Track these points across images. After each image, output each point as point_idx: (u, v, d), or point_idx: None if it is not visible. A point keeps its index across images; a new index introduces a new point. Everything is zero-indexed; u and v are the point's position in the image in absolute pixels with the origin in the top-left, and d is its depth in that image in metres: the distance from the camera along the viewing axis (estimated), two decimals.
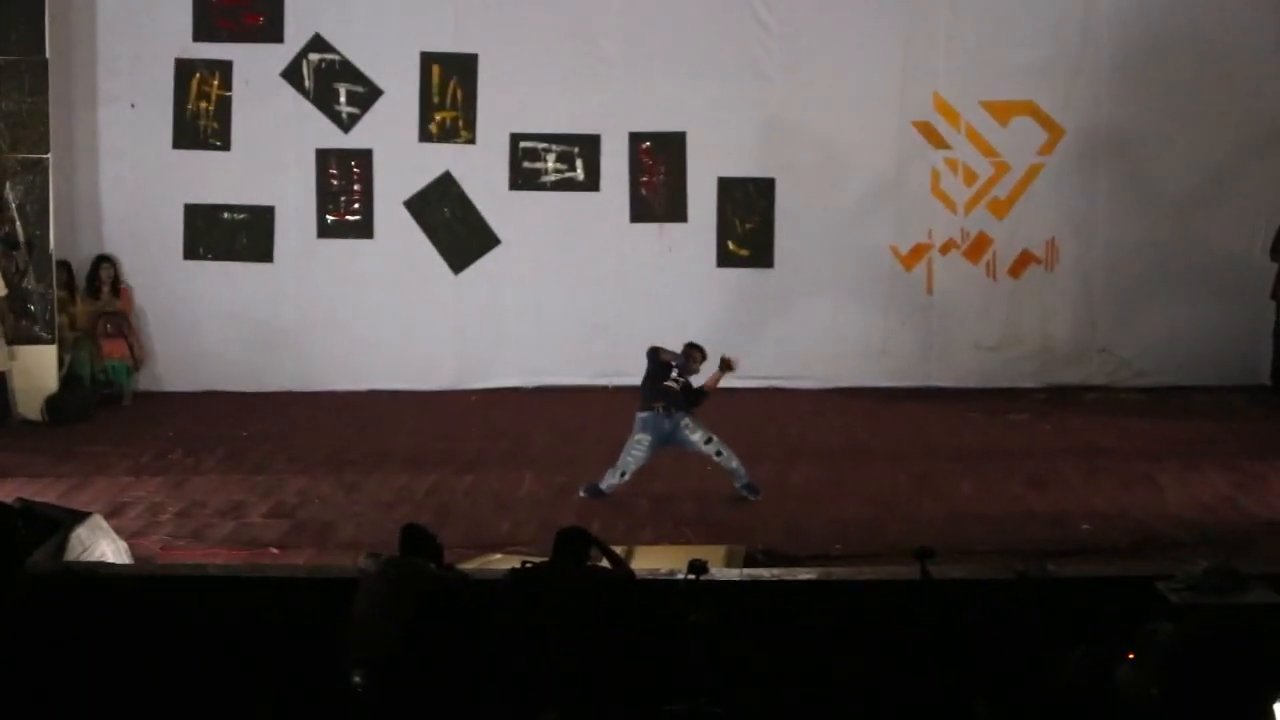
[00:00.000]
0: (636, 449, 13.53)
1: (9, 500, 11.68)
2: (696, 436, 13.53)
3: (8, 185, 16.49)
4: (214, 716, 10.00)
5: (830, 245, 17.52)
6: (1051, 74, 17.30)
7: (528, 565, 9.89)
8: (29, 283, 16.54)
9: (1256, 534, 12.32)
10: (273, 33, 17.55)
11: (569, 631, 9.43)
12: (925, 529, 12.25)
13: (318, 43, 17.54)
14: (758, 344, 17.42)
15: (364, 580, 9.91)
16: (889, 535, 12.37)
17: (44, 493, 13.14)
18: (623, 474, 13.52)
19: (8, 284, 16.34)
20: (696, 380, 13.80)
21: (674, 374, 13.58)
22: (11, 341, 16.43)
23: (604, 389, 17.18)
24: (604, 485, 13.53)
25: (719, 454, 13.51)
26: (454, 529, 12.23)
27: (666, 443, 13.60)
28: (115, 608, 10.43)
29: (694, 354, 13.80)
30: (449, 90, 17.59)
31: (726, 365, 13.84)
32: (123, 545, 11.78)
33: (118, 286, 17.42)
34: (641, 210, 17.68)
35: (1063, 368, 17.56)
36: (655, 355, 13.68)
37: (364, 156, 17.68)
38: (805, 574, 10.96)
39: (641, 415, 13.58)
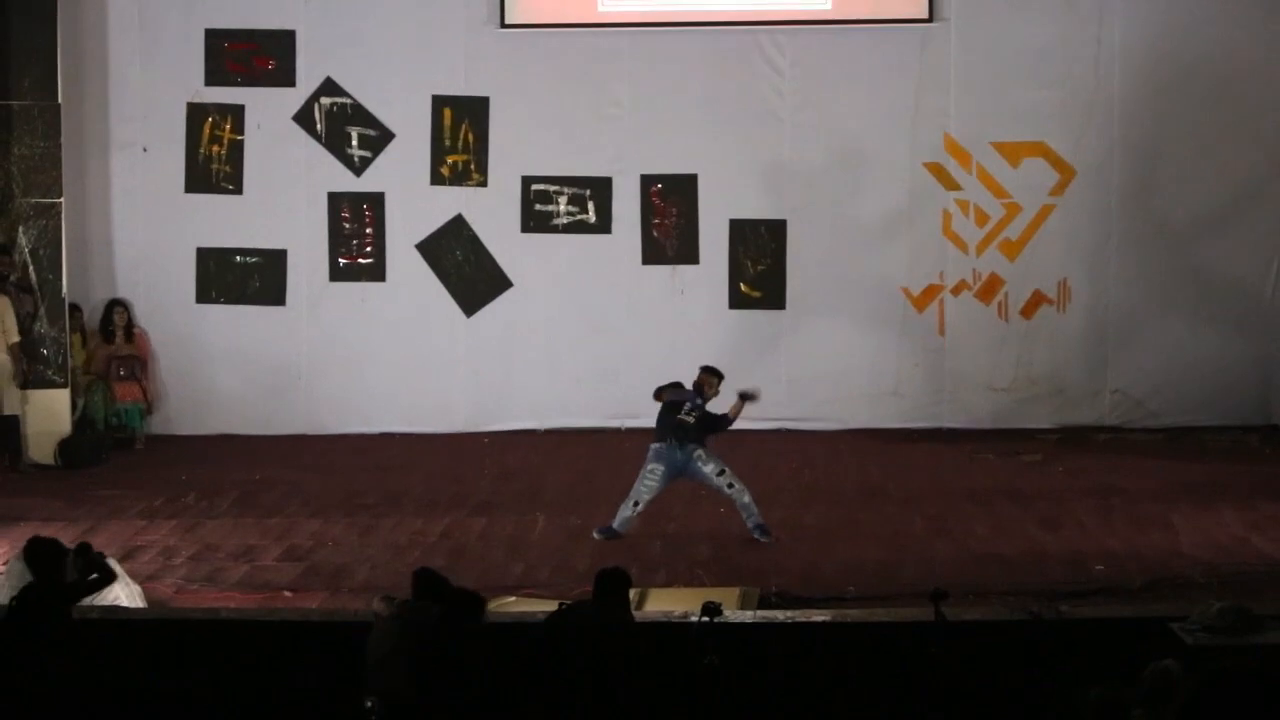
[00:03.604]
0: (650, 478, 13.53)
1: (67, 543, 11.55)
2: (709, 468, 13.52)
3: (21, 230, 16.54)
4: None
5: (842, 287, 17.53)
6: (1062, 115, 17.30)
7: (564, 606, 9.89)
8: (42, 326, 16.56)
9: (1271, 575, 12.30)
10: (284, 77, 17.61)
11: (581, 674, 9.41)
12: (939, 570, 12.25)
13: (329, 86, 17.59)
14: (770, 386, 17.33)
15: (377, 624, 9.90)
16: (903, 577, 12.34)
17: (57, 537, 13.09)
18: (636, 504, 13.52)
19: (20, 328, 16.34)
20: (716, 406, 13.73)
21: (686, 409, 13.56)
22: (24, 386, 16.43)
23: (617, 431, 17.18)
24: (617, 522, 13.53)
25: (731, 486, 13.50)
26: (467, 572, 12.20)
27: (680, 474, 13.60)
28: (129, 651, 10.42)
29: (709, 379, 13.77)
30: (461, 133, 17.63)
31: (747, 397, 13.75)
32: (136, 589, 11.78)
33: (131, 330, 17.45)
34: (653, 252, 17.69)
35: (1075, 408, 17.52)
36: (661, 397, 13.66)
37: (376, 200, 17.70)
38: (819, 616, 10.98)
39: (655, 446, 13.60)
